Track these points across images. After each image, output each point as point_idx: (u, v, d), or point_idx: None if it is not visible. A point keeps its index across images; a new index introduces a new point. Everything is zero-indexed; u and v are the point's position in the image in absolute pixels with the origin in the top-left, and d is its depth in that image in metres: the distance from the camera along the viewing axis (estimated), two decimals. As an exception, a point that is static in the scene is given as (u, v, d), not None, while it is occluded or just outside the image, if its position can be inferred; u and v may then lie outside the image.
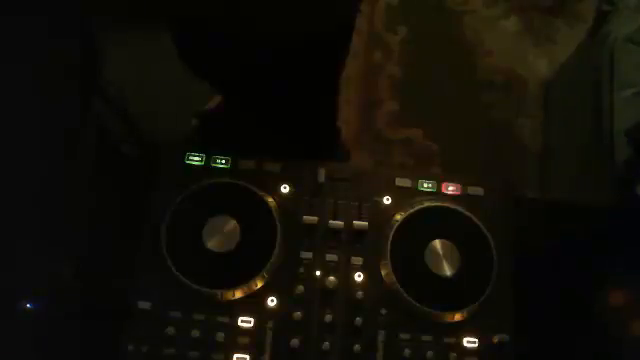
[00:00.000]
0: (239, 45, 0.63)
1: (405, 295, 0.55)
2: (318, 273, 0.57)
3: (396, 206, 0.60)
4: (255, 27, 0.60)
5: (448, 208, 0.59)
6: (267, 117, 0.78)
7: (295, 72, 0.69)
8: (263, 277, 0.56)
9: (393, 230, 0.57)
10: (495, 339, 0.56)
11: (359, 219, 0.59)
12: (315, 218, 0.58)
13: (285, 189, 0.60)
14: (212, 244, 0.56)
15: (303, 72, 0.69)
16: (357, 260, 0.58)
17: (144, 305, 0.55)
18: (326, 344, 0.55)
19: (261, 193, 0.58)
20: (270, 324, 0.56)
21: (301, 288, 0.56)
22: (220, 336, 0.54)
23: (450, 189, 0.61)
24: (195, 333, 0.54)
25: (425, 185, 0.61)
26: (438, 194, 0.61)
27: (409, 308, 0.56)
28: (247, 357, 0.54)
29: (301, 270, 0.57)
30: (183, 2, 0.63)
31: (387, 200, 0.60)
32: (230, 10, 0.58)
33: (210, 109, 1.03)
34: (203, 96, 1.04)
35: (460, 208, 0.59)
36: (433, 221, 0.58)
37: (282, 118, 0.78)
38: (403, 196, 0.60)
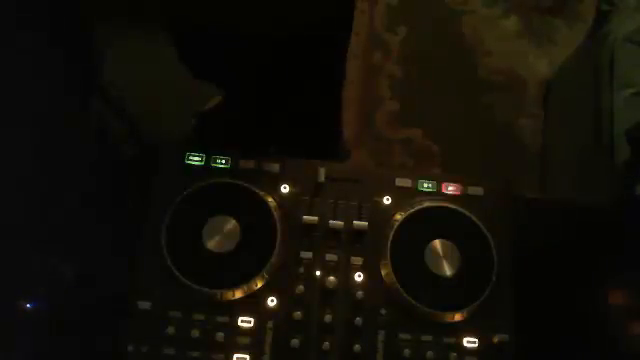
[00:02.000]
0: (239, 44, 0.63)
1: (405, 295, 0.55)
2: (318, 273, 0.57)
3: (396, 206, 0.60)
4: (256, 21, 0.60)
5: (448, 208, 0.59)
6: (267, 117, 0.79)
7: (295, 71, 0.69)
8: (263, 277, 0.56)
9: (393, 230, 0.57)
10: (495, 339, 0.56)
11: (359, 219, 0.59)
12: (315, 218, 0.58)
13: (285, 189, 0.59)
14: (212, 244, 0.56)
15: (303, 72, 0.69)
16: (357, 260, 0.58)
17: (144, 305, 0.55)
18: (326, 344, 0.55)
19: (261, 193, 0.58)
20: (270, 324, 0.55)
21: (301, 288, 0.56)
22: (220, 336, 0.54)
23: (450, 189, 0.61)
24: (195, 333, 0.54)
25: (425, 185, 0.61)
26: (438, 194, 0.61)
27: (409, 308, 0.56)
28: (247, 357, 0.54)
29: (301, 270, 0.57)
30: (182, 3, 0.63)
31: (387, 200, 0.60)
32: (227, 8, 0.58)
33: (210, 109, 1.03)
34: (203, 96, 1.04)
35: (460, 208, 0.59)
36: (433, 221, 0.58)
37: (282, 118, 0.78)
38: (403, 196, 0.60)
